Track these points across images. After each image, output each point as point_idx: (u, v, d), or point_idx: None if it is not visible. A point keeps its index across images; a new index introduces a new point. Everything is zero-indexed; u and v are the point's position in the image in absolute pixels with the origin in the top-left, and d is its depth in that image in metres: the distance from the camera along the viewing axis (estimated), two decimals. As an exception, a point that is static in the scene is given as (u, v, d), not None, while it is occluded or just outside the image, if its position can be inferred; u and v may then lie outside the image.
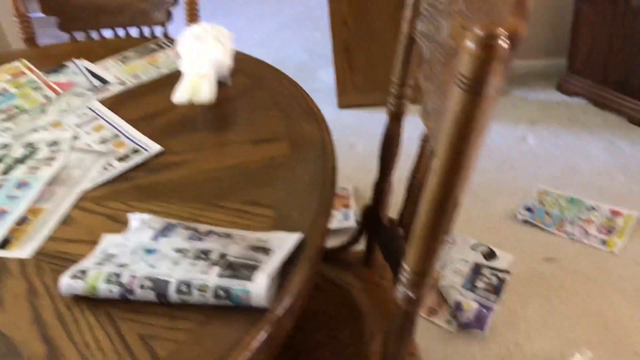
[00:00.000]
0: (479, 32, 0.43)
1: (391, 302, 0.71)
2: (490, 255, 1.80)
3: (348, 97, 2.61)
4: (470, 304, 1.61)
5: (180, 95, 0.99)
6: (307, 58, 3.15)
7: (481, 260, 1.78)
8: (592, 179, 2.09)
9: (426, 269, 0.61)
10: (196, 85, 1.00)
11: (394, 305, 0.67)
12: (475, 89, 0.45)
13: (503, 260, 1.78)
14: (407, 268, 0.62)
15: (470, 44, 0.44)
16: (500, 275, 1.72)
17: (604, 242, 1.80)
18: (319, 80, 2.87)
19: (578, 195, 2.00)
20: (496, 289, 1.67)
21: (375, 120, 2.50)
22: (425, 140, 0.92)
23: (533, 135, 2.35)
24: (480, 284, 1.69)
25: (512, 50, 0.46)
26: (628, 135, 2.29)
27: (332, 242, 1.19)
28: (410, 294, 0.63)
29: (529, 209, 1.94)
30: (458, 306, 1.61)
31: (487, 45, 0.43)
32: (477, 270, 1.74)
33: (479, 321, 1.57)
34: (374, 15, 2.37)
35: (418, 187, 0.93)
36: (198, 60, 1.04)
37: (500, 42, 0.43)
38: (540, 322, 1.58)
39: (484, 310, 1.60)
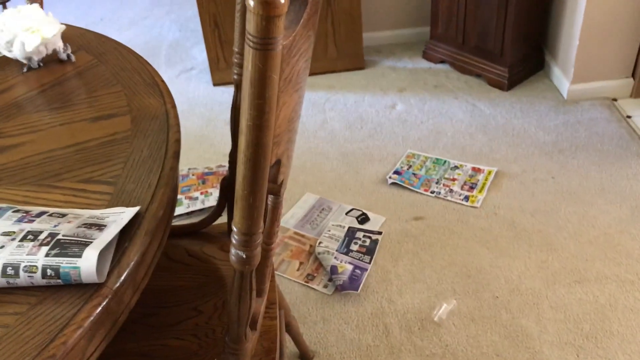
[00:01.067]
0: (257, -11, 0.44)
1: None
2: (363, 219, 1.87)
3: (222, 74, 2.58)
4: (345, 267, 1.67)
5: None
6: (181, 36, 3.08)
7: (355, 224, 1.85)
8: (456, 140, 2.21)
9: (252, 227, 0.63)
10: None
11: (230, 267, 0.68)
12: (262, 47, 0.47)
13: (375, 222, 1.85)
14: (234, 229, 0.64)
15: (251, 2, 0.45)
16: (373, 237, 1.79)
17: (467, 198, 1.92)
18: (193, 58, 2.82)
19: (443, 156, 2.12)
20: (369, 250, 1.74)
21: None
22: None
23: (401, 103, 2.45)
24: (354, 247, 1.75)
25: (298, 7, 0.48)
26: (487, 97, 2.44)
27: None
28: (242, 254, 0.65)
29: (397, 172, 2.04)
30: (334, 270, 1.66)
31: (266, 2, 0.44)
32: (351, 234, 1.80)
33: (353, 282, 1.64)
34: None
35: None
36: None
37: (277, -1, 0.44)
38: (410, 278, 1.67)
39: (358, 271, 1.67)
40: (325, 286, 1.65)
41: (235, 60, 0.98)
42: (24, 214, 0.73)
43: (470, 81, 2.55)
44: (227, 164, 2.12)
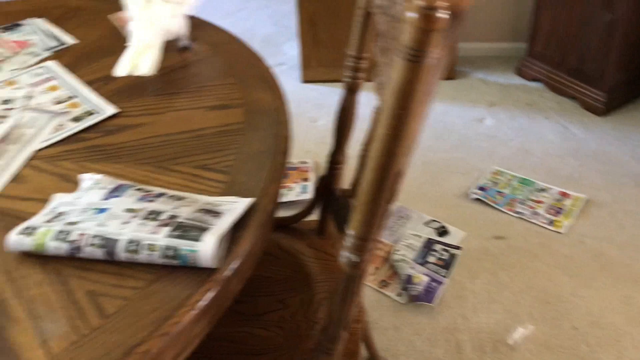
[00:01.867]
0: (420, 2, 0.44)
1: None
2: (442, 231, 1.85)
3: (312, 72, 2.61)
4: (421, 277, 1.66)
5: (121, 68, 0.99)
6: (274, 31, 3.14)
7: (434, 236, 1.83)
8: (544, 161, 2.15)
9: (368, 233, 0.63)
10: (138, 57, 1.00)
11: (338, 269, 0.69)
12: (415, 58, 0.47)
13: (455, 236, 1.83)
14: (350, 233, 0.65)
15: (411, 14, 0.46)
16: (452, 251, 1.77)
17: (551, 222, 1.87)
18: (284, 54, 2.87)
19: (530, 177, 2.06)
20: (447, 264, 1.72)
21: (338, 96, 2.51)
22: (378, 113, 0.94)
23: (490, 117, 2.41)
24: (431, 259, 1.74)
25: (453, 22, 0.48)
26: (581, 120, 2.36)
27: (289, 214, 1.21)
28: (354, 258, 0.66)
29: (482, 188, 2.00)
30: (409, 279, 1.65)
31: (427, 15, 0.45)
32: (429, 245, 1.79)
33: (428, 294, 1.62)
34: (341, -10, 2.37)
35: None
36: (145, 28, 1.04)
37: (439, 13, 0.45)
38: (487, 297, 1.64)
39: (434, 284, 1.65)
40: (399, 294, 1.64)
41: (349, 64, 0.99)
42: (145, 193, 0.76)
43: (564, 102, 2.47)
44: (309, 161, 2.15)
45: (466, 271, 1.72)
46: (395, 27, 0.80)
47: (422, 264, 1.71)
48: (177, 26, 1.08)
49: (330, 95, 2.56)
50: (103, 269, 0.69)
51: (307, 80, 2.63)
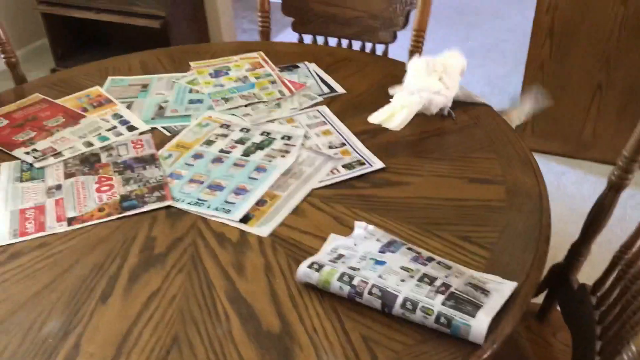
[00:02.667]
0: None
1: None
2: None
3: (525, 140, 2.57)
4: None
5: (376, 116, 1.12)
6: (488, 91, 3.15)
7: None
8: None
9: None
10: (393, 113, 1.11)
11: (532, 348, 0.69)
12: None
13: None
14: (634, 349, 0.64)
15: None
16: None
17: None
18: (495, 116, 2.86)
19: None
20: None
21: (549, 169, 2.45)
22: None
23: None
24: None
25: None
26: None
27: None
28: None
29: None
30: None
31: None
32: None
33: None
34: (573, 66, 2.33)
35: (627, 264, 0.93)
36: (408, 92, 1.13)
37: None
38: None
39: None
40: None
41: (620, 164, 0.98)
42: (417, 255, 0.82)
43: None
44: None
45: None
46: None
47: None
48: (443, 102, 1.15)
49: (542, 167, 2.50)
50: (375, 317, 0.76)
51: (516, 147, 2.60)
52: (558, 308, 1.14)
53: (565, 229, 2.13)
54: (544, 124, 2.51)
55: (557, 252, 1.10)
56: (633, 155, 0.96)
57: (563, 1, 2.21)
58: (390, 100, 1.16)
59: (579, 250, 1.07)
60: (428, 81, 1.13)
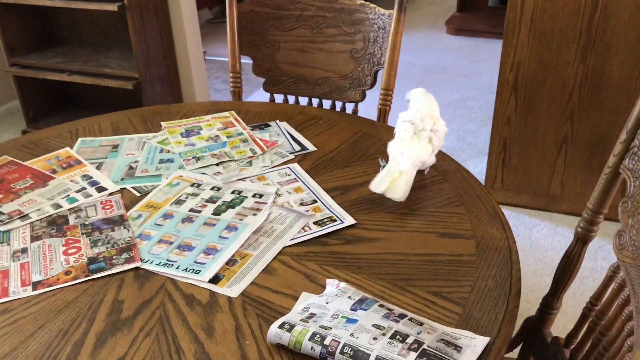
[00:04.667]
0: None
1: None
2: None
3: (495, 194, 2.62)
4: None
5: (377, 186, 1.09)
6: (457, 146, 3.21)
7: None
8: None
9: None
10: (393, 181, 1.09)
11: None
12: None
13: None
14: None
15: None
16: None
17: None
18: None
19: None
20: None
21: (521, 222, 2.48)
22: (614, 272, 0.93)
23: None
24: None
25: None
26: None
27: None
28: None
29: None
30: None
31: None
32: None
33: None
34: (539, 121, 2.40)
35: (598, 316, 0.94)
36: (405, 158, 1.12)
37: None
38: None
39: None
40: None
41: (585, 216, 1.00)
42: (389, 312, 0.82)
43: None
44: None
45: None
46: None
47: None
48: (432, 162, 1.17)
49: (513, 220, 2.53)
50: (348, 377, 0.75)
51: (488, 200, 2.64)
52: (533, 362, 1.14)
53: (538, 282, 2.15)
54: (514, 177, 2.56)
55: (530, 306, 1.10)
56: (597, 208, 0.98)
57: (525, 59, 2.30)
58: (381, 164, 1.16)
59: (550, 303, 1.08)
60: (419, 147, 1.13)
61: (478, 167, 2.95)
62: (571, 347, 1.01)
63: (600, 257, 2.30)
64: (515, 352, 1.17)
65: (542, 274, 2.18)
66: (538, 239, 2.39)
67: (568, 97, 2.31)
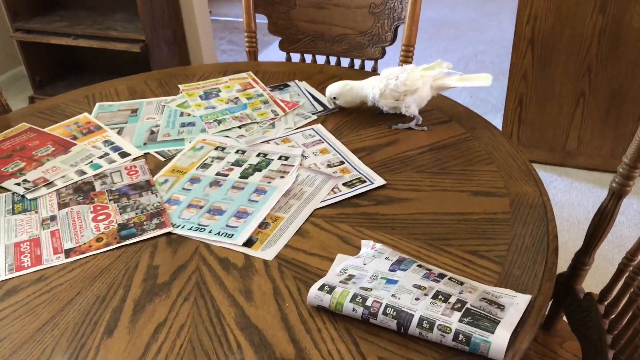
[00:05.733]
0: None
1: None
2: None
3: (510, 150, 2.59)
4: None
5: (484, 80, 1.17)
6: (470, 102, 3.17)
7: None
8: None
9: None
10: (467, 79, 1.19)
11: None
12: None
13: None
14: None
15: None
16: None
17: None
18: (479, 127, 2.88)
19: None
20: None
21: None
22: (653, 227, 0.92)
23: None
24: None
25: None
26: None
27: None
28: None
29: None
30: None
31: None
32: None
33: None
34: (556, 76, 2.35)
35: (634, 272, 0.93)
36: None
37: None
38: None
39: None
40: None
41: (621, 170, 0.98)
42: (428, 272, 0.81)
43: None
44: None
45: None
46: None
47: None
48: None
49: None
50: (391, 338, 0.74)
51: (503, 157, 2.61)
52: (564, 318, 1.14)
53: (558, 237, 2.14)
54: (530, 132, 2.53)
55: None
56: (634, 163, 0.96)
57: (542, 12, 2.24)
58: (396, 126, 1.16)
59: (582, 259, 1.07)
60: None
61: (493, 123, 2.91)
62: (605, 302, 1.01)
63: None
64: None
65: (561, 230, 2.18)
66: (555, 194, 2.38)
67: (586, 50, 2.26)
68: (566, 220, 2.22)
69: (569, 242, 2.12)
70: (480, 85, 1.18)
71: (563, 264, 1.16)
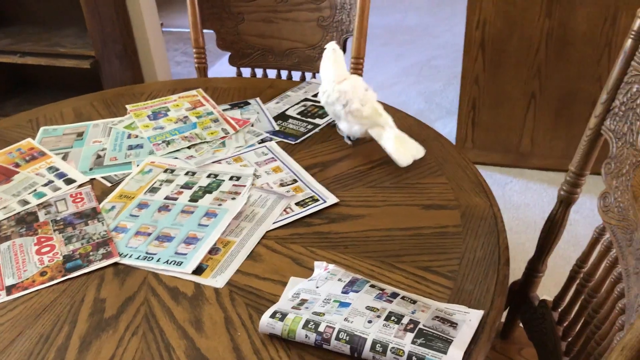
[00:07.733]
0: None
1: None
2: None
3: (466, 153, 2.62)
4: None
5: (404, 159, 1.09)
6: (425, 107, 3.20)
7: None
8: None
9: None
10: (402, 144, 1.11)
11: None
12: None
13: None
14: None
15: None
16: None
17: None
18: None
19: None
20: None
21: (493, 180, 2.50)
22: (600, 234, 0.93)
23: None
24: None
25: None
26: None
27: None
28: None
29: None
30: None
31: None
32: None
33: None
34: (507, 79, 2.39)
35: (585, 278, 0.94)
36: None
37: None
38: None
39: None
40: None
41: (568, 179, 1.00)
42: (381, 292, 0.80)
43: None
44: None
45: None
46: (636, 156, 0.80)
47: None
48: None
49: (485, 179, 2.55)
50: (345, 363, 0.73)
51: (459, 160, 2.64)
52: (521, 325, 1.15)
53: (514, 239, 2.17)
54: (484, 135, 2.57)
55: (511, 265, 1.10)
56: (579, 170, 0.98)
57: (491, 16, 2.27)
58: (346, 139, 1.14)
59: (535, 266, 1.08)
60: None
61: (447, 128, 2.94)
62: (559, 309, 1.02)
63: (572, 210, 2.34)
64: (502, 317, 1.18)
65: (518, 231, 2.21)
66: (511, 196, 2.41)
67: (535, 53, 2.31)
68: (523, 222, 2.26)
69: (526, 243, 2.15)
70: (407, 159, 1.10)
71: (521, 265, 1.17)
